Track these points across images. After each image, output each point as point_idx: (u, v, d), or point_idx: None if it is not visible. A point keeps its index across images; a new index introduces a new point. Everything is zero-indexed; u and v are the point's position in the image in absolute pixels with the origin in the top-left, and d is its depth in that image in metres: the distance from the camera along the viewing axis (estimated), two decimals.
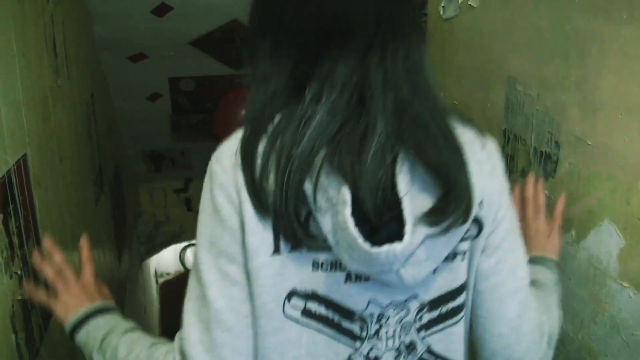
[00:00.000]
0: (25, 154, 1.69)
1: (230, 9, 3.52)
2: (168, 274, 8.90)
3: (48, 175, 1.99)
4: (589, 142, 1.68)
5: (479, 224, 1.17)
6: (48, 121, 2.05)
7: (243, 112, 1.17)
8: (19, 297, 1.53)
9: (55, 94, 2.21)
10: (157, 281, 8.16)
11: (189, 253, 9.08)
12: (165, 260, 8.55)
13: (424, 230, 0.99)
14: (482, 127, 2.17)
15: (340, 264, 1.08)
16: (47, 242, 1.40)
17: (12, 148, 1.58)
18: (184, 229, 6.29)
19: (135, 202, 5.72)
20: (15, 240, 1.53)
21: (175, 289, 8.70)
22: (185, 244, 7.99)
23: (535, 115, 1.91)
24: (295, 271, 1.08)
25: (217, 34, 3.72)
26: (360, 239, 0.95)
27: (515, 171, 2.04)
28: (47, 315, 1.80)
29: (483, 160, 1.18)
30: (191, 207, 6.16)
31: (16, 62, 1.71)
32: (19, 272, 1.54)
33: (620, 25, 1.55)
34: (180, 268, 8.97)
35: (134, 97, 4.26)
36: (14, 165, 1.57)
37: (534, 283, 1.39)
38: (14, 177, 1.55)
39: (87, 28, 3.23)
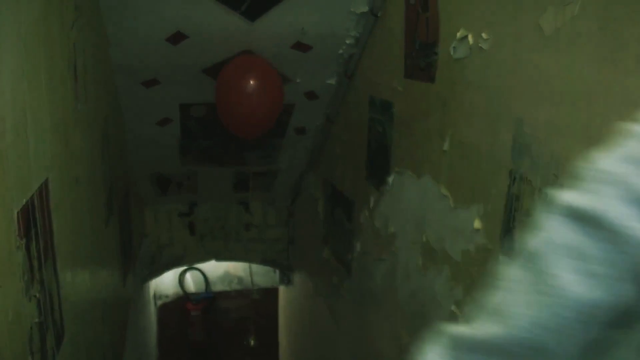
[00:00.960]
0: (47, 179, 1.74)
1: (244, 39, 3.60)
2: (167, 296, 8.92)
3: (66, 198, 2.04)
4: None
5: None
6: (68, 145, 2.11)
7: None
8: (37, 320, 1.57)
9: (74, 118, 2.27)
10: (155, 303, 8.17)
11: (189, 276, 9.11)
12: (164, 283, 8.57)
13: None
14: (489, 167, 2.25)
15: None
16: None
17: (36, 173, 1.63)
18: (186, 253, 6.33)
19: (141, 225, 5.76)
20: (35, 263, 1.58)
21: (173, 311, 8.71)
22: (185, 267, 8.02)
23: (542, 157, 1.96)
24: None
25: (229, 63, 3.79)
26: None
27: (520, 211, 2.09)
28: (60, 336, 1.84)
29: None
30: (194, 231, 6.21)
31: (43, 87, 1.77)
32: (37, 295, 1.59)
33: (626, 73, 1.61)
34: (179, 291, 8.98)
35: (145, 121, 4.32)
36: (37, 190, 1.62)
37: None
38: (36, 201, 1.60)
39: (104, 53, 3.30)
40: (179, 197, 5.84)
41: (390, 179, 3.29)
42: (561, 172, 1.87)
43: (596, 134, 1.71)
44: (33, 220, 1.57)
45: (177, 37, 3.50)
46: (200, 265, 7.88)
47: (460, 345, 0.93)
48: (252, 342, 7.78)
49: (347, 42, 3.63)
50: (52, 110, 1.86)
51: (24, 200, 1.51)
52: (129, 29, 3.36)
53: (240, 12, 3.35)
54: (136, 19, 3.30)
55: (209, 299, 9.03)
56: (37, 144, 1.65)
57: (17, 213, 1.44)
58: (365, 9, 3.36)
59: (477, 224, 2.38)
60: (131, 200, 4.64)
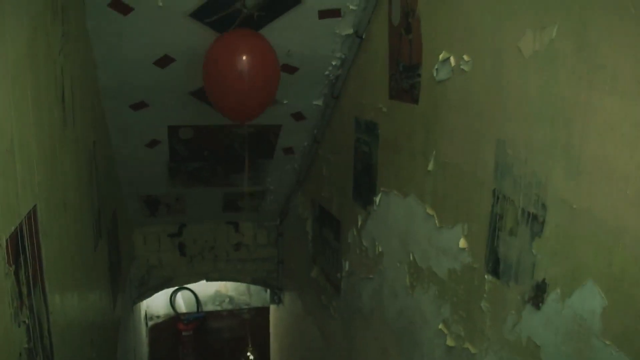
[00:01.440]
0: (35, 205, 1.76)
1: None
2: (158, 317, 8.90)
3: (54, 223, 2.06)
4: (574, 206, 1.76)
5: None
6: (55, 171, 2.13)
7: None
8: (26, 346, 1.59)
9: (62, 144, 2.29)
10: (146, 324, 8.15)
11: (180, 297, 9.10)
12: (155, 304, 8.56)
13: None
14: (473, 187, 2.28)
15: None
16: None
17: (24, 200, 1.65)
18: (176, 274, 6.33)
19: (130, 246, 5.76)
20: (24, 289, 1.59)
21: (164, 332, 8.69)
22: (175, 287, 8.01)
23: (524, 177, 2.00)
24: None
25: None
26: None
27: (503, 230, 2.12)
28: None
29: None
30: (184, 252, 6.21)
31: (31, 115, 1.79)
32: (26, 321, 1.60)
33: (602, 94, 1.65)
34: (170, 311, 8.97)
35: (133, 143, 4.35)
36: (25, 217, 1.64)
37: None
38: (25, 229, 1.62)
39: (92, 76, 3.33)
40: (168, 218, 5.85)
41: (376, 199, 3.32)
42: (542, 192, 1.91)
43: (575, 155, 1.75)
44: (22, 247, 1.59)
45: (164, 61, 3.54)
46: (191, 285, 7.88)
47: None
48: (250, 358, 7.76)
49: (333, 63, 3.67)
50: (39, 137, 1.88)
51: (13, 228, 1.52)
52: (116, 52, 3.39)
53: None
54: (124, 42, 3.33)
55: (200, 319, 9.02)
56: (24, 171, 1.67)
57: (6, 240, 1.46)
58: (350, 31, 3.40)
59: (462, 243, 2.41)
60: (120, 222, 4.64)
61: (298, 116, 4.25)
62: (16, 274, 1.52)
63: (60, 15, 2.41)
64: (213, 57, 3.27)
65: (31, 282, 1.67)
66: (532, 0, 1.93)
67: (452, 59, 2.42)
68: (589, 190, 1.71)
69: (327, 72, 3.76)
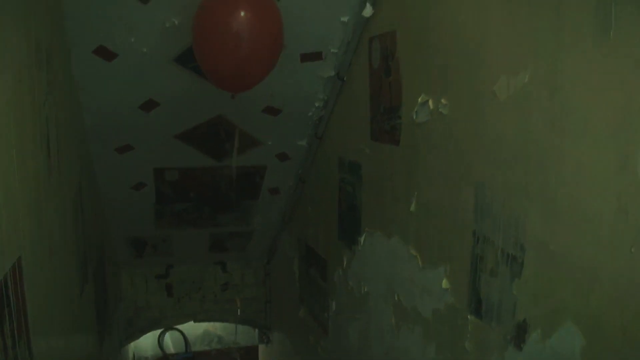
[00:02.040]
0: (19, 257, 1.77)
1: (215, 106, 3.68)
2: (146, 358, 8.80)
3: (39, 273, 2.07)
4: (551, 247, 1.80)
5: None
6: (40, 220, 2.14)
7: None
8: None
9: (47, 192, 2.31)
10: None
11: (168, 337, 9.01)
12: (143, 344, 8.47)
13: None
14: (454, 228, 2.31)
15: None
16: None
17: (9, 252, 1.67)
18: (164, 315, 6.29)
19: (117, 288, 5.74)
20: (9, 342, 1.60)
21: None
22: (163, 328, 7.94)
23: (502, 219, 2.03)
24: None
25: (202, 128, 3.86)
26: None
27: (484, 271, 2.15)
28: None
29: None
30: (172, 293, 6.19)
31: (15, 165, 1.81)
32: None
33: (574, 139, 1.69)
34: (158, 352, 8.87)
35: (119, 186, 4.36)
36: (9, 270, 1.65)
37: None
38: (10, 281, 1.63)
39: (78, 120, 3.36)
40: (155, 259, 5.83)
41: (361, 239, 3.35)
42: (521, 233, 1.94)
43: (550, 197, 1.79)
44: (7, 300, 1.60)
45: (149, 105, 3.58)
46: (180, 325, 7.81)
47: None
48: None
49: (316, 104, 3.72)
50: (23, 187, 1.90)
51: None
52: (102, 97, 3.43)
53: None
54: (109, 87, 3.38)
55: (189, 359, 8.92)
56: (9, 224, 1.69)
57: None
58: (331, 73, 3.46)
59: (445, 283, 2.44)
60: (107, 264, 4.64)
61: (283, 157, 4.28)
62: (0, 327, 1.53)
63: (45, 64, 2.44)
64: (207, 14, 2.80)
65: (16, 335, 1.67)
66: (505, 46, 1.99)
67: (430, 102, 2.47)
68: (564, 232, 1.75)
69: (310, 114, 3.81)
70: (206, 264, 6.18)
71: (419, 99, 2.56)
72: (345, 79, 3.42)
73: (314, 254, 4.38)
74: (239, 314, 6.45)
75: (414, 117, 2.61)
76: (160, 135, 3.89)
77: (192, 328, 8.64)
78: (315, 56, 3.36)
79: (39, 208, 2.13)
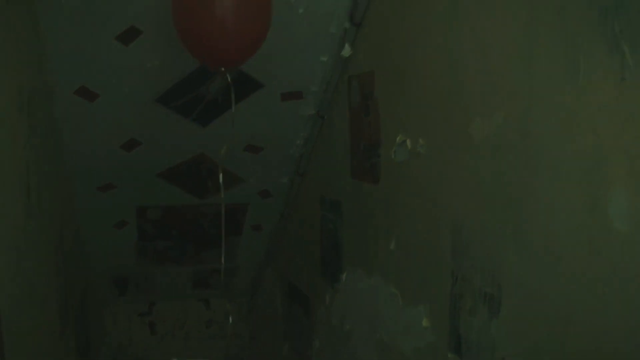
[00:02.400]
0: None
1: (197, 145, 3.71)
2: None
3: (18, 319, 2.06)
4: (527, 287, 1.82)
5: None
6: (20, 266, 2.14)
7: None
8: None
9: (26, 237, 2.31)
10: None
11: None
12: None
13: None
14: (432, 267, 2.33)
15: None
16: None
17: None
18: (147, 353, 6.23)
19: (100, 326, 5.69)
20: None
21: None
22: None
23: (479, 258, 2.06)
24: None
25: (184, 166, 3.88)
26: None
27: (463, 310, 2.16)
28: None
29: None
30: (155, 330, 6.14)
31: None
32: None
33: (548, 181, 1.73)
34: None
35: (101, 224, 4.35)
36: None
37: None
38: None
39: (59, 160, 3.36)
40: (138, 297, 5.79)
41: (343, 276, 3.36)
42: (497, 273, 1.96)
43: (526, 237, 1.82)
44: None
45: (131, 144, 3.59)
46: None
47: None
48: None
49: (297, 142, 3.75)
50: (2, 234, 1.90)
51: None
52: (83, 137, 3.44)
53: (191, 119, 3.46)
54: (90, 127, 3.39)
55: None
56: None
57: None
58: (312, 111, 3.50)
59: (425, 322, 2.45)
60: (89, 303, 4.61)
61: (265, 194, 4.30)
62: None
63: (26, 107, 2.46)
64: None
65: None
66: (480, 89, 2.03)
67: (408, 142, 2.51)
68: (540, 272, 1.77)
69: (291, 151, 3.84)
70: (190, 301, 6.14)
71: (397, 139, 2.59)
72: (325, 117, 3.46)
73: (297, 290, 4.38)
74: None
75: (393, 156, 2.64)
76: (142, 174, 3.90)
77: None
78: (296, 95, 3.40)
79: (18, 254, 2.13)
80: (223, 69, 2.55)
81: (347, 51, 3.04)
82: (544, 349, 1.77)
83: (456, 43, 2.17)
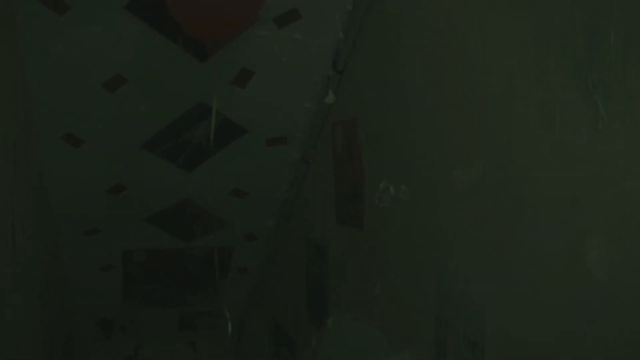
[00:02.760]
0: None
1: (183, 189, 3.73)
2: None
3: None
4: (510, 335, 1.84)
5: None
6: (3, 313, 2.14)
7: None
8: None
9: (11, 284, 2.31)
10: None
11: None
12: None
13: None
14: (417, 313, 2.34)
15: None
16: None
17: None
18: None
19: None
20: None
21: None
22: None
23: (463, 305, 2.07)
24: None
25: (170, 210, 3.89)
26: None
27: (448, 356, 2.17)
28: None
29: None
30: None
31: None
32: None
33: (527, 229, 1.76)
34: None
35: (87, 268, 4.34)
36: None
37: None
38: None
39: (44, 205, 3.37)
40: (124, 340, 5.75)
41: (329, 320, 3.36)
42: (481, 320, 1.98)
43: (506, 285, 1.84)
44: None
45: (117, 189, 3.61)
46: None
47: None
48: None
49: (282, 187, 3.78)
50: None
51: None
52: (69, 181, 3.46)
53: (177, 164, 3.49)
54: (76, 172, 3.41)
55: None
56: None
57: None
58: (297, 156, 3.53)
59: None
60: (74, 346, 4.57)
61: (251, 237, 4.31)
62: None
63: (12, 155, 2.48)
64: None
65: None
66: (460, 137, 2.07)
67: (391, 188, 2.54)
68: (522, 320, 1.79)
69: (277, 195, 3.86)
70: (176, 343, 6.10)
71: (381, 185, 2.62)
72: (310, 162, 3.49)
73: (283, 333, 4.36)
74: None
75: (377, 202, 2.67)
76: (128, 219, 3.91)
77: None
78: (281, 141, 3.43)
79: (2, 300, 2.12)
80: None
81: (331, 98, 3.09)
82: None
83: (436, 92, 2.22)
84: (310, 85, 3.13)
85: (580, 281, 1.57)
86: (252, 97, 3.06)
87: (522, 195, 1.78)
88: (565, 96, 1.60)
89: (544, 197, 1.69)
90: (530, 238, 1.75)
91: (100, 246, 4.12)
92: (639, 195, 1.37)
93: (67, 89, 2.94)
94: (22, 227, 2.57)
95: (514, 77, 1.80)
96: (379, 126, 2.67)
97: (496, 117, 1.88)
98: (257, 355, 5.27)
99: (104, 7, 2.64)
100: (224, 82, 3.05)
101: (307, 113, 3.28)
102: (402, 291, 2.52)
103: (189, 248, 4.36)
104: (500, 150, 1.86)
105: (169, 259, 4.49)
